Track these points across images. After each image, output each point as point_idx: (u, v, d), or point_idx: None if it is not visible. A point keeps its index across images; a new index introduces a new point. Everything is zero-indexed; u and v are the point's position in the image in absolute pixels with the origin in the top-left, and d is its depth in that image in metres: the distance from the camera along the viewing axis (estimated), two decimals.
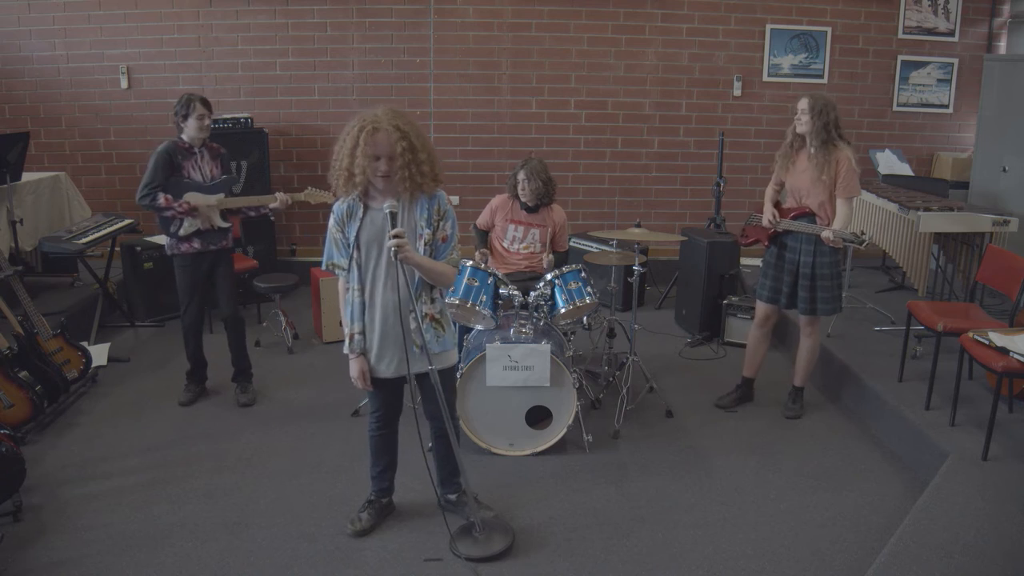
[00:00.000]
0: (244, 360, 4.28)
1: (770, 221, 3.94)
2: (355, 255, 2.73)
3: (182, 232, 3.93)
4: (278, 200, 3.96)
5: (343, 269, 2.78)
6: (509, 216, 4.40)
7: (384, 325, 2.77)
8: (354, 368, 2.82)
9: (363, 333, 2.79)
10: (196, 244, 3.97)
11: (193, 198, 3.90)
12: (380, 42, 6.39)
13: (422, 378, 2.85)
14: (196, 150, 3.95)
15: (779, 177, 4.04)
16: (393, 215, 2.60)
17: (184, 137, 3.93)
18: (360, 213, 2.71)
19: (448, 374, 2.91)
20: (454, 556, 2.88)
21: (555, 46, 6.46)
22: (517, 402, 3.61)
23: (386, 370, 2.84)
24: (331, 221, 2.76)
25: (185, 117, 3.87)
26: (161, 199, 3.84)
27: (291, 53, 6.37)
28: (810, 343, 4.06)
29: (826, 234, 3.71)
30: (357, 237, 2.71)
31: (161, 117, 6.37)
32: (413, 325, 2.73)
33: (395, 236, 2.55)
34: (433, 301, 2.83)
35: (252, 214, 4.19)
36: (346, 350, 2.82)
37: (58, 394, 3.96)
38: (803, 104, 3.78)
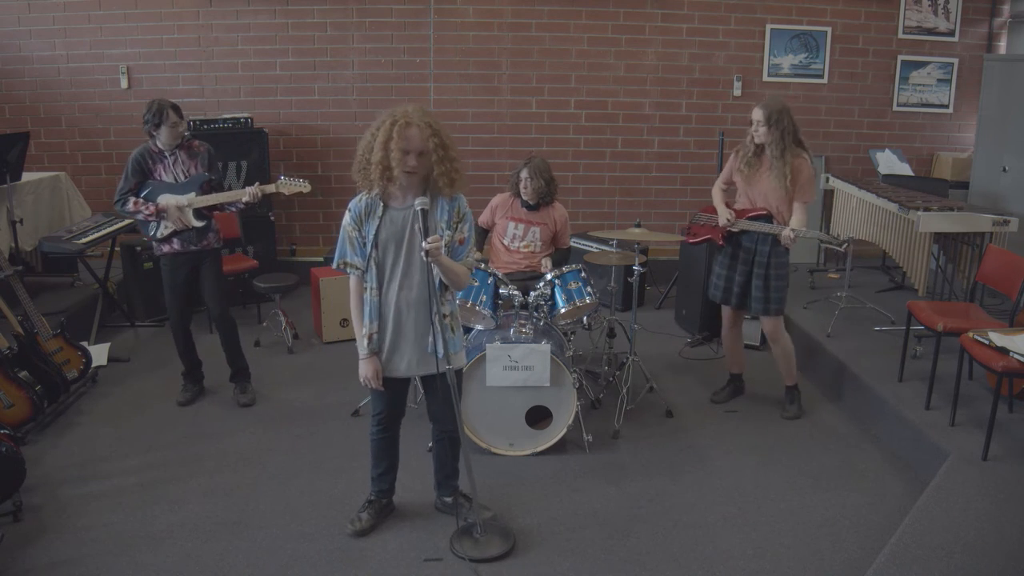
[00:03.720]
0: (240, 359, 4.27)
1: (728, 220, 3.96)
2: (373, 254, 2.70)
3: (159, 234, 3.93)
4: (248, 194, 3.89)
5: (357, 268, 2.74)
6: (509, 214, 4.40)
7: (397, 324, 2.76)
8: (368, 368, 2.79)
9: (379, 332, 2.78)
10: (176, 245, 3.97)
11: (165, 200, 3.90)
12: (380, 42, 6.39)
13: (430, 378, 2.84)
14: (167, 154, 3.93)
15: (728, 177, 4.09)
16: (424, 211, 2.58)
17: (156, 144, 3.91)
18: (379, 211, 2.69)
19: (457, 375, 2.89)
20: (454, 556, 2.88)
21: (555, 46, 6.45)
22: (517, 402, 3.60)
23: (399, 370, 2.83)
24: (347, 219, 2.72)
25: (157, 126, 3.84)
26: (131, 204, 3.88)
27: (291, 53, 6.37)
28: (779, 348, 4.07)
29: (786, 233, 3.75)
30: (376, 236, 2.69)
31: None
32: (438, 328, 2.70)
33: (433, 240, 2.55)
34: (446, 303, 2.83)
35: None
36: (363, 351, 2.78)
37: (58, 394, 3.96)
38: (757, 115, 3.82)
